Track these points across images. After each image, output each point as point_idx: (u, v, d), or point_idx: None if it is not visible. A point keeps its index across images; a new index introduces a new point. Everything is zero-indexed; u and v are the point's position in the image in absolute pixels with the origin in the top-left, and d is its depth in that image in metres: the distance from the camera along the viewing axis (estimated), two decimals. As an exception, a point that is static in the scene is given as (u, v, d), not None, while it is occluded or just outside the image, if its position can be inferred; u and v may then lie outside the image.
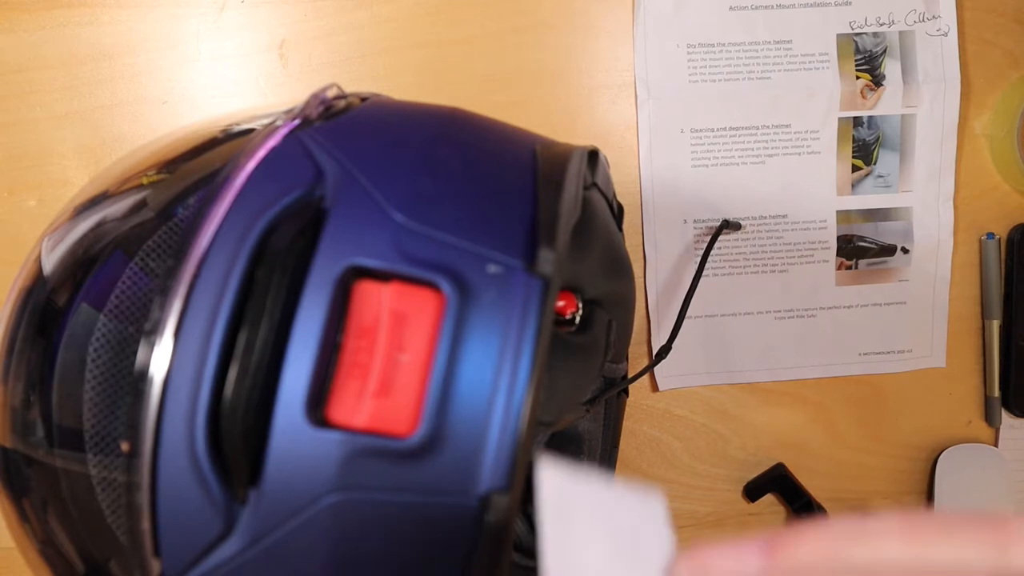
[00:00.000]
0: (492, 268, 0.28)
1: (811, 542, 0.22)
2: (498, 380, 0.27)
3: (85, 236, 0.35)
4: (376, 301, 0.28)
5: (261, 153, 0.32)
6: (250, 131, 0.35)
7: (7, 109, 0.61)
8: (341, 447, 0.27)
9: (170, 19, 0.61)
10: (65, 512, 0.34)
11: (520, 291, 0.28)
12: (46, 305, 0.35)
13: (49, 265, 0.36)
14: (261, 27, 0.62)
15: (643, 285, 0.64)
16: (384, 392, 0.27)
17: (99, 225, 0.35)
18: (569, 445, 0.57)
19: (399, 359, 0.28)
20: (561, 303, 0.44)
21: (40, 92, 0.61)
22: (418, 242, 0.29)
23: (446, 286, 0.28)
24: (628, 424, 0.64)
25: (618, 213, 0.51)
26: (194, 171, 0.35)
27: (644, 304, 0.64)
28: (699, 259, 0.58)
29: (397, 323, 0.28)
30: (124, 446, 0.29)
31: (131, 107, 0.61)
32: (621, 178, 0.63)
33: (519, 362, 0.27)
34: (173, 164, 0.37)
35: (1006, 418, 0.67)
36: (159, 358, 0.28)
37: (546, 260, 0.28)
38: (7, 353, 0.36)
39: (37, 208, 0.62)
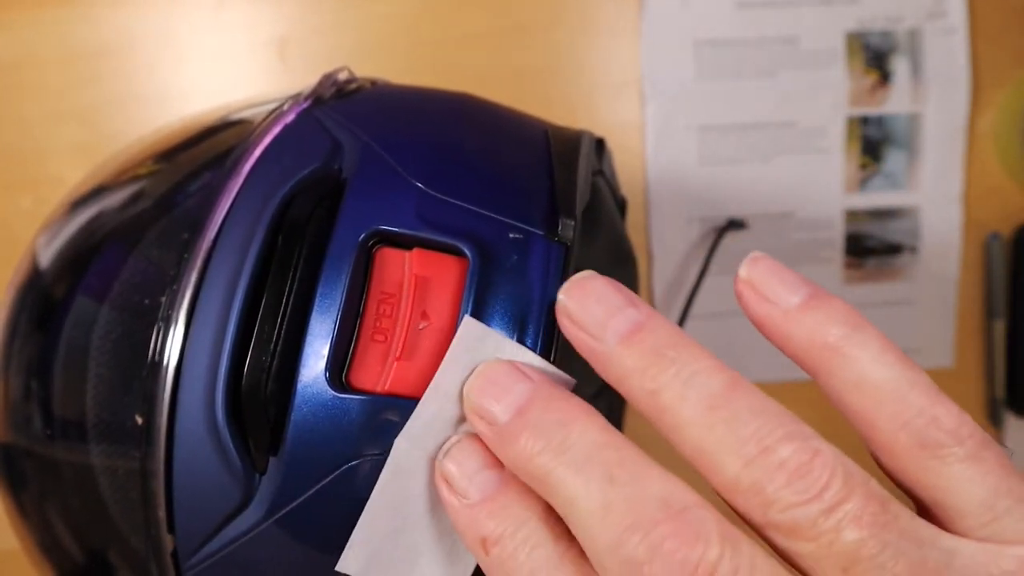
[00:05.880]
0: (514, 234, 0.28)
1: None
2: (522, 341, 0.27)
3: (83, 229, 0.35)
4: (399, 266, 0.28)
5: (276, 129, 0.32)
6: (250, 119, 0.35)
7: (1, 107, 0.61)
8: (364, 410, 0.27)
9: (167, 16, 0.61)
10: (68, 504, 0.33)
11: (542, 256, 0.28)
12: (45, 299, 0.35)
13: (46, 259, 0.35)
14: (259, 24, 0.61)
15: (648, 284, 0.64)
16: (408, 355, 0.27)
17: (97, 217, 0.35)
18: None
19: (422, 323, 0.27)
20: None
21: (35, 90, 0.61)
22: (440, 209, 0.29)
23: (469, 250, 0.28)
24: (631, 423, 0.63)
25: (621, 205, 0.52)
26: (197, 157, 0.35)
27: (649, 303, 0.64)
28: (704, 258, 0.58)
29: (420, 287, 0.28)
30: (138, 419, 0.28)
31: (127, 105, 0.61)
32: (626, 176, 0.63)
33: (541, 324, 0.28)
34: (173, 153, 0.37)
35: (1012, 419, 0.67)
36: (176, 329, 0.28)
37: (567, 227, 0.29)
38: (6, 349, 0.35)
39: (32, 207, 0.61)
